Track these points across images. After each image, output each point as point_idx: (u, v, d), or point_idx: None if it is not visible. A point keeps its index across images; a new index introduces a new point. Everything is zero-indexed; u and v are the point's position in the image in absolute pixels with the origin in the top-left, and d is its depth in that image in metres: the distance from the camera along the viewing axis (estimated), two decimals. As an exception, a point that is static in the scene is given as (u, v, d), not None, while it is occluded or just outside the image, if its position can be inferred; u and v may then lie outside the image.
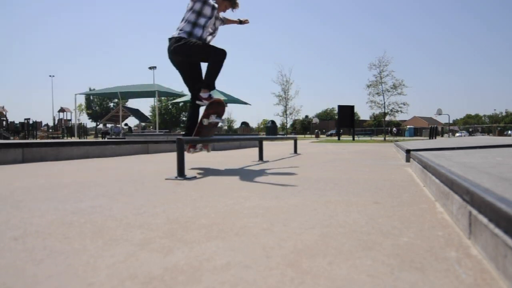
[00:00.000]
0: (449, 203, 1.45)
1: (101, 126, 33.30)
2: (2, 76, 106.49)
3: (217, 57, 3.54)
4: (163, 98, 45.94)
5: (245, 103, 18.62)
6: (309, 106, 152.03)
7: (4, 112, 23.80)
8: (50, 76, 53.36)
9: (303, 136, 47.25)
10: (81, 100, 62.58)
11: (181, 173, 2.78)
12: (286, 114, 29.94)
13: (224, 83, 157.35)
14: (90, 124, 61.24)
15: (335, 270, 0.90)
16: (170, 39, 3.67)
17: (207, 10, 3.65)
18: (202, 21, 3.66)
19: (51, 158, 4.83)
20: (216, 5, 3.75)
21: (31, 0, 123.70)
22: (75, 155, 5.19)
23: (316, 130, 49.95)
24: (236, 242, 1.14)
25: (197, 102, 3.70)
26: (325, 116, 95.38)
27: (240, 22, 4.19)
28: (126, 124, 20.40)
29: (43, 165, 4.13)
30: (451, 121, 59.15)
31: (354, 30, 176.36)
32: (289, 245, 1.11)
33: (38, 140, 13.23)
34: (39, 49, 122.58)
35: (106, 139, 12.85)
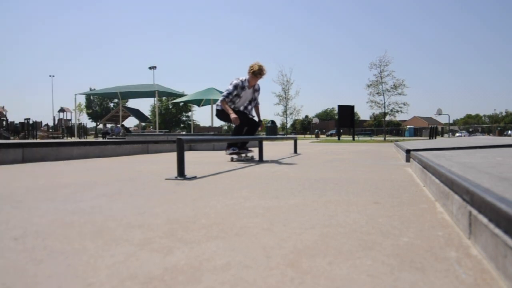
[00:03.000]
0: (449, 203, 1.45)
1: (101, 126, 33.30)
2: (2, 76, 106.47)
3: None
4: (163, 98, 45.96)
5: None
6: (309, 106, 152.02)
7: (4, 112, 23.81)
8: (50, 76, 53.34)
9: (303, 136, 47.25)
10: (81, 100, 62.57)
11: (181, 173, 2.77)
12: (286, 114, 29.95)
13: (224, 83, 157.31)
14: (90, 124, 61.21)
15: (335, 270, 0.90)
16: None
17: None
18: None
19: (51, 158, 4.83)
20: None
21: (31, 0, 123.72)
22: (75, 155, 5.19)
23: (316, 130, 49.93)
24: (236, 242, 1.14)
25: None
26: (325, 116, 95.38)
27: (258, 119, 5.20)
28: (122, 125, 20.39)
29: (43, 165, 4.14)
30: (451, 121, 59.12)
31: (355, 30, 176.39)
32: (289, 245, 1.11)
33: (38, 140, 13.24)
34: (39, 49, 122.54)
35: (106, 139, 12.86)
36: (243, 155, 4.98)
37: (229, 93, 4.74)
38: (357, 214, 1.53)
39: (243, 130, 4.91)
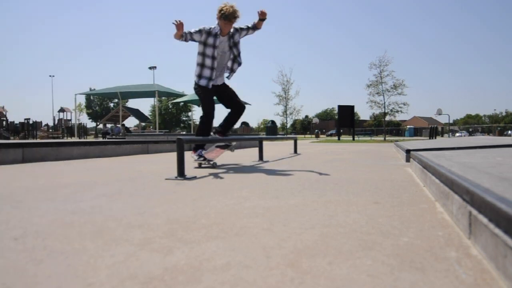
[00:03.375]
0: (449, 203, 1.45)
1: (101, 126, 33.31)
2: (2, 76, 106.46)
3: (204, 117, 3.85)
4: (163, 98, 45.96)
5: (245, 103, 18.63)
6: (309, 106, 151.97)
7: (4, 112, 23.81)
8: (50, 76, 53.28)
9: (303, 136, 47.25)
10: (81, 100, 62.59)
11: (181, 173, 2.77)
12: (286, 114, 29.98)
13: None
14: (90, 124, 61.22)
15: (335, 270, 0.90)
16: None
17: (209, 41, 3.65)
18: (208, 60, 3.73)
19: (51, 158, 4.83)
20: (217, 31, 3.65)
21: (31, 0, 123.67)
22: (75, 155, 5.19)
23: (316, 130, 49.93)
24: (236, 242, 1.14)
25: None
26: (325, 116, 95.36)
27: (260, 20, 3.83)
28: (123, 125, 20.40)
29: (43, 165, 4.13)
30: (451, 121, 59.10)
31: (355, 30, 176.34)
32: (289, 245, 1.11)
33: (38, 140, 13.23)
34: (39, 49, 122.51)
35: (106, 139, 12.86)
36: (212, 161, 3.76)
37: (190, 32, 3.57)
38: (357, 214, 1.53)
39: (211, 120, 3.90)
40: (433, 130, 22.44)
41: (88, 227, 1.33)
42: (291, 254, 1.03)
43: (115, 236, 1.22)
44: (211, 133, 3.99)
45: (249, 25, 3.82)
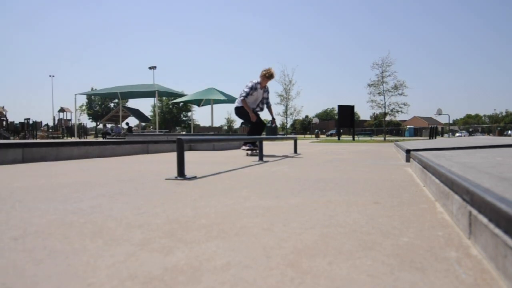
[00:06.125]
0: (449, 203, 1.45)
1: (101, 126, 33.33)
2: (2, 76, 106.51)
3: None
4: (163, 98, 45.91)
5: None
6: (309, 106, 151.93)
7: (4, 112, 23.82)
8: (50, 76, 53.21)
9: (303, 136, 47.22)
10: (82, 100, 62.59)
11: (181, 173, 2.77)
12: (287, 114, 30.00)
13: (224, 83, 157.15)
14: (90, 124, 61.20)
15: (335, 270, 0.90)
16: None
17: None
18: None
19: (51, 158, 4.83)
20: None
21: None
22: (75, 155, 5.19)
23: (316, 130, 49.90)
24: (236, 242, 1.14)
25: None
26: (325, 116, 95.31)
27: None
28: (127, 123, 20.37)
29: (43, 165, 4.13)
30: (451, 121, 59.04)
31: (355, 30, 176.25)
32: (289, 245, 1.11)
33: (38, 140, 13.23)
34: (39, 49, 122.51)
35: (106, 139, 12.85)
36: (255, 151, 5.97)
37: (248, 94, 5.91)
38: (357, 214, 1.53)
39: (256, 128, 6.08)
40: (433, 130, 22.44)
41: (88, 227, 1.33)
42: (291, 254, 1.03)
43: (115, 236, 1.22)
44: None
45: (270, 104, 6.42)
